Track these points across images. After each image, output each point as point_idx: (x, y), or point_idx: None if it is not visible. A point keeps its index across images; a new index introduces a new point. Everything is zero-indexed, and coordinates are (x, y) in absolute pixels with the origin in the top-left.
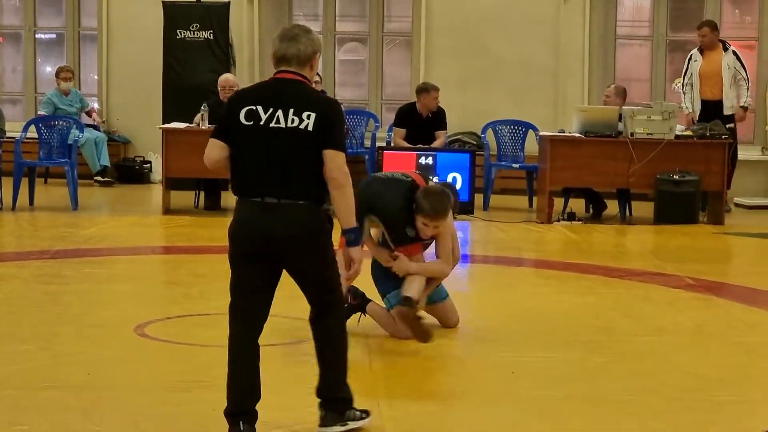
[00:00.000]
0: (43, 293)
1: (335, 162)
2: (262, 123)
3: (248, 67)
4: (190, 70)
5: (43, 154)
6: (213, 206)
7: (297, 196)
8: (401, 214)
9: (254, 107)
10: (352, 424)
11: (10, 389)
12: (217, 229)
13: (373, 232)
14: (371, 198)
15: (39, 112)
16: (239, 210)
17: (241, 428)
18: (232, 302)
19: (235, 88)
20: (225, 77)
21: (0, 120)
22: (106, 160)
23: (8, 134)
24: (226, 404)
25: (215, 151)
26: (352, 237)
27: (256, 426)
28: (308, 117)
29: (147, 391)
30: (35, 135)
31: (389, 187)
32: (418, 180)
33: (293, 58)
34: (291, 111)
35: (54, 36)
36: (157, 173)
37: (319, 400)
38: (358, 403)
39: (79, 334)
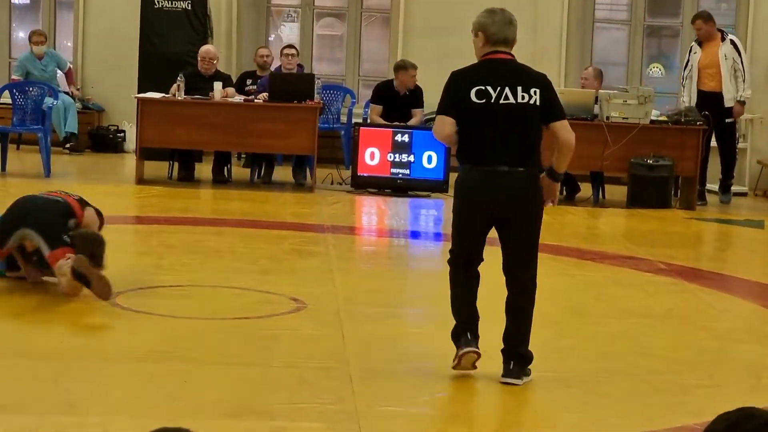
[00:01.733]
0: None
1: (566, 129)
2: (492, 101)
3: (226, 38)
4: (167, 40)
5: (17, 120)
6: (187, 177)
7: (524, 164)
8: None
9: (484, 87)
10: (526, 380)
11: None
12: (191, 200)
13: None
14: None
15: (12, 77)
16: (470, 175)
17: (468, 337)
18: (456, 247)
19: (215, 61)
20: (206, 48)
21: None
22: (73, 127)
23: None
24: (454, 325)
25: (447, 127)
26: (560, 177)
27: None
28: (535, 93)
29: (118, 361)
30: (9, 101)
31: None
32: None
33: (512, 40)
34: (519, 88)
35: (29, 1)
36: (130, 142)
37: (505, 350)
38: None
39: (52, 304)
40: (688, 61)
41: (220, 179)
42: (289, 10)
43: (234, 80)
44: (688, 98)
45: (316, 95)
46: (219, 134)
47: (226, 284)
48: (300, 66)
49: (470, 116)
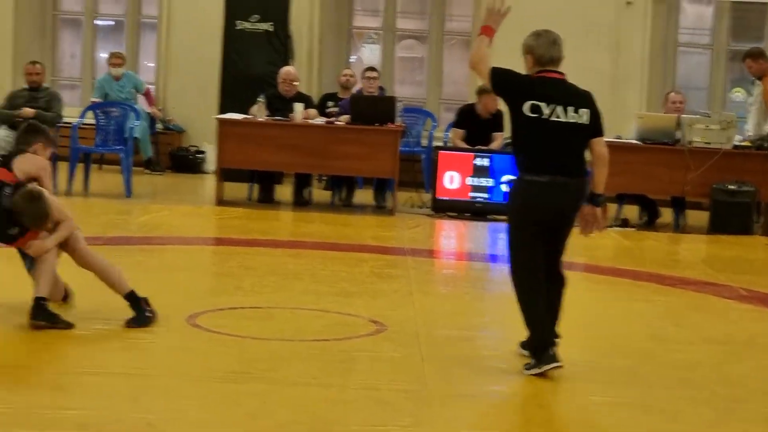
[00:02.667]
0: (95, 279)
1: (603, 144)
2: (544, 117)
3: (307, 60)
4: (248, 61)
5: (99, 141)
6: (266, 199)
7: (577, 175)
8: None
9: (537, 102)
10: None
11: (56, 374)
12: (270, 222)
13: None
14: None
15: (92, 98)
16: (530, 186)
17: (551, 352)
18: (518, 259)
19: (296, 82)
20: (286, 70)
21: (57, 105)
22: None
23: (65, 120)
24: (531, 339)
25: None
26: (602, 199)
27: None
28: (585, 113)
29: (197, 381)
30: (92, 121)
31: None
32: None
33: (558, 59)
34: (571, 109)
35: (112, 23)
36: (210, 163)
37: (548, 342)
38: None
39: None
40: (753, 91)
41: (300, 201)
42: (369, 32)
43: (315, 102)
44: (752, 128)
45: (397, 118)
46: (299, 156)
47: (306, 306)
48: (381, 89)
49: (524, 128)
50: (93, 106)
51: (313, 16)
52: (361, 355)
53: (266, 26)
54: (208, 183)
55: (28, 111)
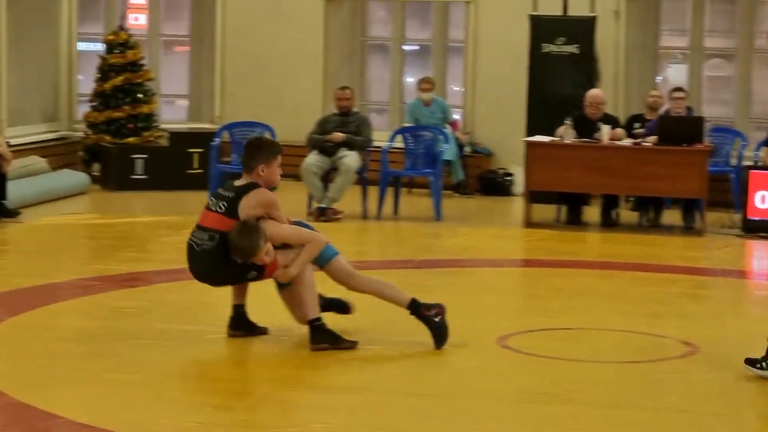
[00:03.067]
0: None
1: None
2: None
3: (613, 82)
4: (555, 83)
5: (409, 164)
6: (574, 220)
7: None
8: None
9: None
10: None
11: (377, 394)
12: (578, 244)
13: None
14: None
15: (404, 123)
16: None
17: None
18: None
19: (602, 105)
20: (593, 93)
21: (367, 129)
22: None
23: (375, 143)
24: None
25: None
26: None
27: None
28: None
29: (508, 402)
30: (402, 145)
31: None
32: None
33: None
34: None
35: (417, 47)
36: (518, 186)
37: None
38: None
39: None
40: None
41: (608, 222)
42: (675, 52)
43: (622, 123)
44: None
45: (705, 138)
46: (606, 177)
47: (615, 327)
48: (689, 109)
49: None
50: (402, 130)
51: (619, 37)
52: (672, 377)
53: (572, 48)
54: (516, 205)
55: (338, 135)
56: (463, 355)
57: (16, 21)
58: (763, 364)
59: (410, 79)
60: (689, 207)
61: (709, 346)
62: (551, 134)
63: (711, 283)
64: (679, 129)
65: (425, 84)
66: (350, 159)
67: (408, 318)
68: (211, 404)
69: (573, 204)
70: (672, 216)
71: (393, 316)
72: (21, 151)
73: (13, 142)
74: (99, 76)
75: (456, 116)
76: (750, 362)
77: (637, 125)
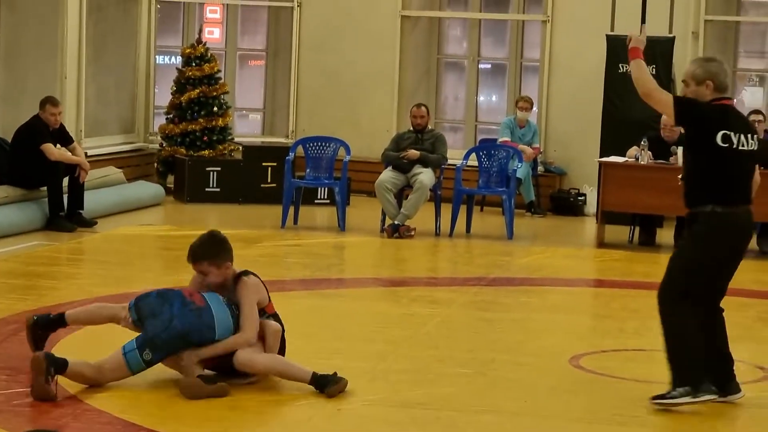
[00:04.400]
0: (480, 319)
1: (758, 173)
2: (734, 146)
3: None
4: (630, 104)
5: (482, 182)
6: (648, 242)
7: (751, 202)
8: None
9: (728, 132)
10: None
11: (450, 410)
12: (652, 265)
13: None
14: None
15: (501, 138)
16: (727, 216)
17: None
18: (698, 288)
19: (678, 128)
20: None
21: (442, 147)
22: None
23: (449, 161)
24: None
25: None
26: None
27: None
28: (755, 139)
29: (581, 422)
30: (474, 163)
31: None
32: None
33: (731, 86)
34: (749, 135)
35: (489, 66)
36: (591, 206)
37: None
38: None
39: (516, 362)
40: None
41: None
42: (751, 75)
43: None
44: None
45: None
46: (680, 199)
47: None
48: (766, 131)
49: (714, 158)
50: (476, 148)
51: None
52: (746, 402)
53: (649, 69)
54: (589, 225)
55: (413, 153)
56: (535, 373)
57: (97, 33)
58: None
59: (482, 98)
60: (764, 231)
61: None
62: (625, 155)
63: None
64: (757, 152)
65: (524, 103)
66: (425, 176)
67: (484, 336)
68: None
69: (646, 225)
70: None
71: (466, 333)
72: (98, 161)
73: (90, 152)
74: (175, 88)
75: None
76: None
77: None
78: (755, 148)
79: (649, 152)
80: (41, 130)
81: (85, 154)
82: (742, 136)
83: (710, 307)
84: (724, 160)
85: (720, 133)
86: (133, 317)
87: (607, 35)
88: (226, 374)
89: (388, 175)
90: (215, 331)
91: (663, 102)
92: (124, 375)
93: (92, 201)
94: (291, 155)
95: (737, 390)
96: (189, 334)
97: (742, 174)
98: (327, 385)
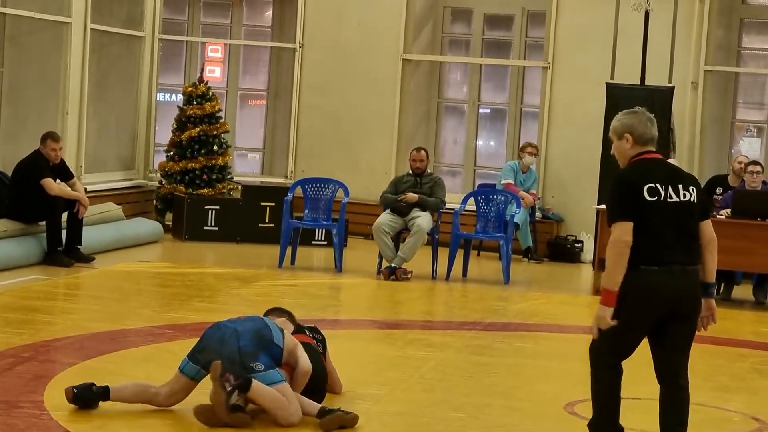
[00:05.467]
0: (475, 363)
1: (711, 228)
2: (662, 198)
3: (687, 153)
4: None
5: (480, 227)
6: None
7: (695, 262)
8: None
9: (654, 185)
10: None
11: None
12: None
13: None
14: None
15: (504, 180)
16: (646, 277)
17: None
18: (620, 350)
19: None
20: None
21: (440, 191)
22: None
23: (447, 205)
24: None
25: (630, 234)
26: (713, 290)
27: None
28: (693, 191)
29: None
30: (472, 207)
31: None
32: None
33: (656, 138)
34: (681, 186)
35: (489, 110)
36: (588, 253)
37: None
38: None
39: (510, 407)
40: None
41: None
42: (748, 125)
43: (702, 186)
44: None
45: None
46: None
47: None
48: (765, 183)
49: (643, 215)
50: (474, 193)
51: (696, 108)
52: None
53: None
54: (585, 272)
55: (411, 196)
56: (529, 419)
57: (99, 70)
58: None
59: (480, 143)
60: (761, 282)
61: None
62: None
63: None
64: (755, 203)
65: (531, 148)
66: (422, 220)
67: (479, 381)
68: None
69: None
70: (743, 290)
71: (461, 378)
72: (97, 197)
73: (89, 188)
74: (176, 126)
75: (536, 191)
76: None
77: (719, 190)
78: (693, 200)
79: None
80: (42, 164)
81: (85, 189)
82: (671, 188)
83: (662, 380)
84: (653, 215)
85: (645, 187)
86: (195, 367)
87: (607, 83)
88: None
89: (386, 218)
90: (271, 332)
91: (624, 231)
92: (277, 396)
93: (90, 237)
94: (290, 196)
95: None
96: (260, 330)
97: (672, 229)
98: (324, 416)
